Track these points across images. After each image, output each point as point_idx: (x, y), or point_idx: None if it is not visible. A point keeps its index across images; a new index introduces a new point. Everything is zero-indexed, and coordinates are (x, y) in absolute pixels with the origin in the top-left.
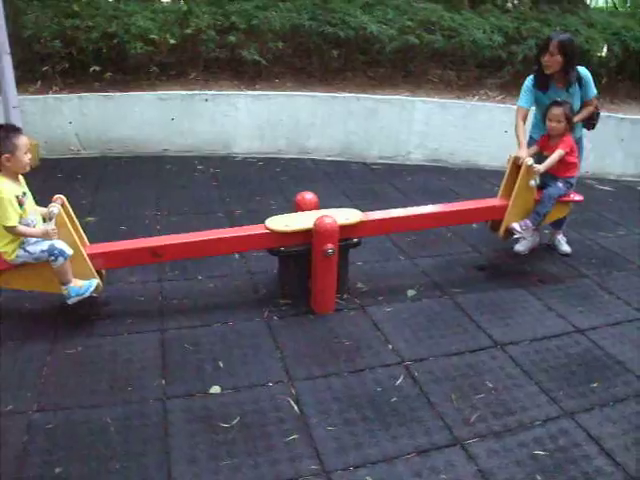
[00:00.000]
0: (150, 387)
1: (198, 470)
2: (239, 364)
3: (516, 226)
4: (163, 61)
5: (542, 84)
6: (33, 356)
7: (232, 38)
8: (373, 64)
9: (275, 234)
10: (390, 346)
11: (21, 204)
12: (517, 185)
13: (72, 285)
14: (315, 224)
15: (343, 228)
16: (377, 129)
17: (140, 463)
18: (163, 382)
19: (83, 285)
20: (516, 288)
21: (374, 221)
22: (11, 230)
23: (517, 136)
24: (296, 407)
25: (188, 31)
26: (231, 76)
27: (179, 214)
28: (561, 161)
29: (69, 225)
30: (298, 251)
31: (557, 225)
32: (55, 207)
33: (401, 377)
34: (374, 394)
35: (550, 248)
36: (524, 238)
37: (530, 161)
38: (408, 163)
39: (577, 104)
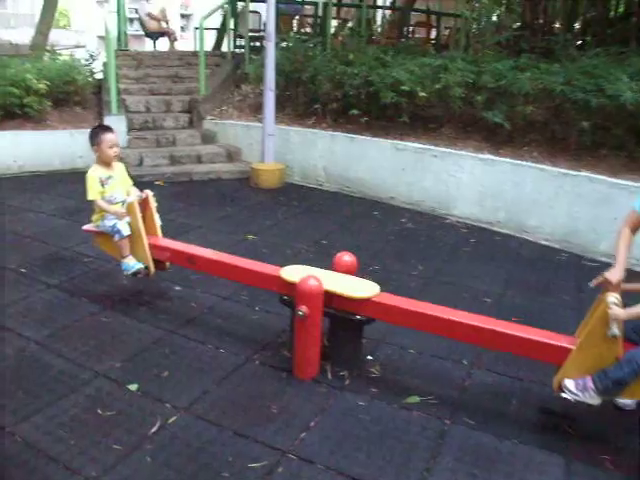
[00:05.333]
0: (104, 363)
1: (42, 424)
2: (174, 380)
3: (569, 383)
4: (417, 113)
5: None
6: (81, 313)
7: (478, 97)
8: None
9: (279, 280)
10: (303, 435)
11: (102, 184)
12: (588, 327)
13: (125, 261)
14: (298, 281)
15: (336, 298)
16: (609, 220)
17: (24, 400)
18: (117, 365)
19: (130, 264)
20: (557, 454)
21: (389, 307)
22: (93, 203)
23: (616, 250)
24: (159, 427)
25: (437, 86)
26: (483, 137)
27: (321, 254)
28: None
29: (138, 214)
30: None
31: None
32: (131, 197)
33: (263, 462)
34: (219, 458)
35: None
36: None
37: (612, 299)
38: None
39: None
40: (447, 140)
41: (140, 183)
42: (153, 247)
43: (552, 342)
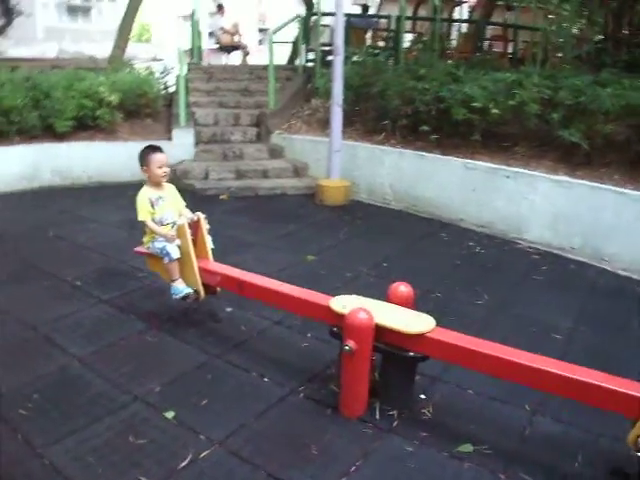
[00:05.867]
0: (144, 386)
1: (72, 449)
2: (212, 409)
3: None
4: (490, 130)
5: None
6: (128, 330)
7: (555, 115)
8: None
9: (329, 310)
10: None
11: (152, 205)
12: None
13: (174, 284)
14: (347, 314)
15: (387, 332)
16: None
17: (58, 420)
18: (157, 389)
19: (179, 288)
20: None
21: (444, 344)
22: (143, 223)
23: None
24: (189, 460)
25: (511, 102)
26: (558, 157)
27: (382, 278)
28: None
29: (188, 237)
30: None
31: None
32: (181, 219)
33: None
34: None
35: None
36: None
37: None
38: None
39: None
40: (520, 159)
41: (204, 197)
42: (203, 271)
43: (629, 392)
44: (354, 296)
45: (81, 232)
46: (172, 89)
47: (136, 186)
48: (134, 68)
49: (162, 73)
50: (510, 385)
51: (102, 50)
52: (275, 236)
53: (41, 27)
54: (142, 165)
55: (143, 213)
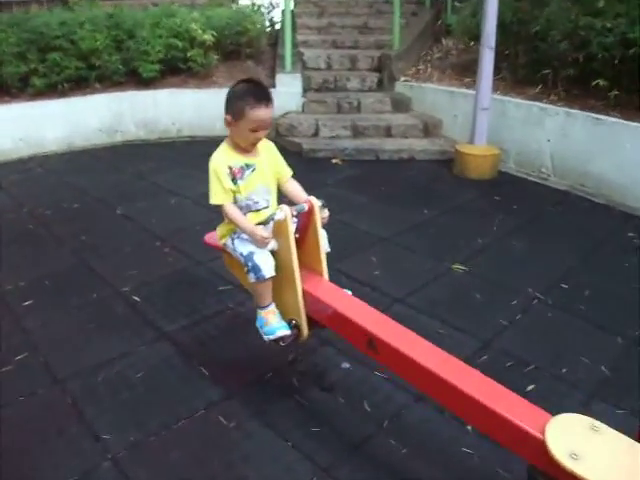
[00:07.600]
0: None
1: None
2: None
3: None
4: None
5: None
6: (191, 401)
7: None
8: None
9: (539, 448)
10: None
11: (234, 178)
12: None
13: (263, 314)
14: None
15: None
16: None
17: None
18: None
19: (271, 325)
20: None
21: None
22: (220, 208)
23: None
24: None
25: None
26: None
27: (565, 311)
28: None
29: (291, 239)
30: None
31: None
32: (280, 212)
33: None
34: None
35: None
36: None
37: None
38: None
39: None
40: None
41: (313, 160)
42: (310, 297)
43: None
44: (585, 420)
45: (154, 211)
46: (278, 26)
47: None
48: (235, 1)
49: (267, 8)
50: None
51: None
52: (406, 227)
53: None
54: (228, 112)
55: (218, 193)
